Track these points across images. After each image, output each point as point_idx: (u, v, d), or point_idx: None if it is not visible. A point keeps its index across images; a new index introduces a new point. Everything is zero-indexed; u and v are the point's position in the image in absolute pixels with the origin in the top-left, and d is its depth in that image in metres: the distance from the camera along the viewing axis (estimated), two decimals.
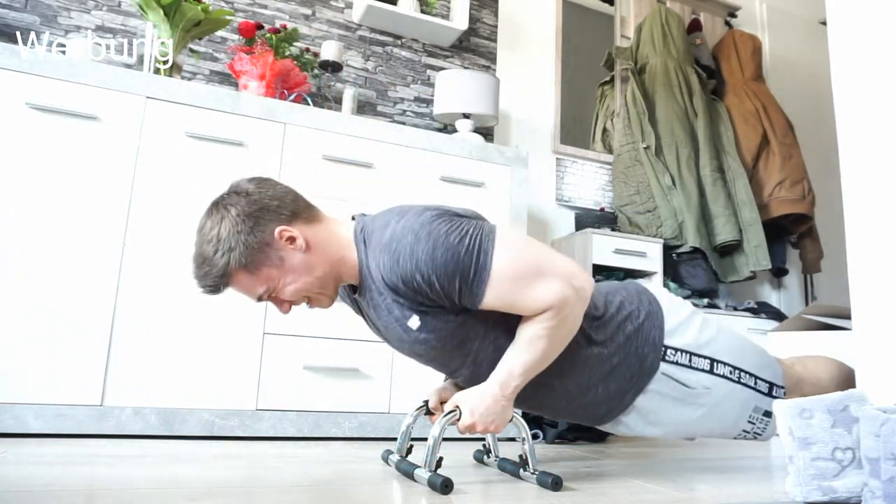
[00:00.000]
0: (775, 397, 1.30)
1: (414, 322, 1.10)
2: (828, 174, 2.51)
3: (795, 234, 3.14)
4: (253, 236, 1.06)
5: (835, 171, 1.22)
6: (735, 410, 1.27)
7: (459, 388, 1.30)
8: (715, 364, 1.25)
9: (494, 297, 1.05)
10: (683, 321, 1.27)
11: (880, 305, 1.07)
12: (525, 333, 1.09)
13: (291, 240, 1.08)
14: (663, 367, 1.22)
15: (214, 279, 1.06)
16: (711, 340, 1.27)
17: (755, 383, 1.28)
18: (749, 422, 1.29)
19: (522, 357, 1.09)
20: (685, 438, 1.37)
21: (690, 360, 1.23)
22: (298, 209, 1.12)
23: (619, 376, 1.21)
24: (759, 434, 1.32)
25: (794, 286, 3.33)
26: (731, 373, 1.26)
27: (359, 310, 1.24)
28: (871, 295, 1.09)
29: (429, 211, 1.08)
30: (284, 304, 1.13)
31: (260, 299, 1.12)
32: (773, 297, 3.26)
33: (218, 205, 1.09)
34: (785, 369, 1.35)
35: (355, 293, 1.19)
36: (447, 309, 1.09)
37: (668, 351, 1.23)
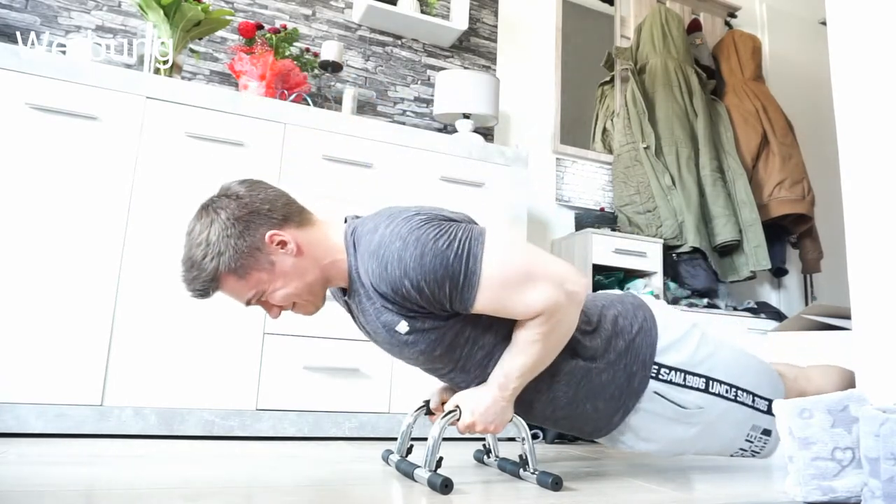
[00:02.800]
0: (774, 415, 1.28)
1: (402, 327, 1.09)
2: (828, 174, 2.51)
3: (795, 235, 3.14)
4: (243, 240, 1.04)
5: (835, 171, 1.22)
6: (732, 429, 1.25)
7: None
8: (711, 383, 1.22)
9: (485, 300, 1.04)
10: (680, 338, 1.24)
11: (880, 305, 1.07)
12: (520, 338, 1.08)
13: (282, 244, 1.07)
14: (656, 385, 1.20)
15: (203, 283, 1.05)
16: (708, 357, 1.24)
17: (753, 401, 1.26)
18: (747, 440, 1.27)
19: (518, 360, 1.08)
20: (679, 455, 1.35)
21: (685, 379, 1.21)
22: (290, 213, 1.11)
23: (607, 395, 1.19)
24: (758, 452, 1.30)
25: (794, 286, 3.33)
26: (727, 391, 1.23)
27: (349, 311, 1.23)
28: (871, 295, 1.09)
29: (418, 216, 1.05)
30: (274, 309, 1.12)
31: (249, 303, 1.10)
32: (772, 297, 3.26)
33: (207, 208, 1.07)
34: (788, 384, 1.33)
35: (346, 296, 1.19)
36: (436, 315, 1.07)
37: (662, 370, 1.21)
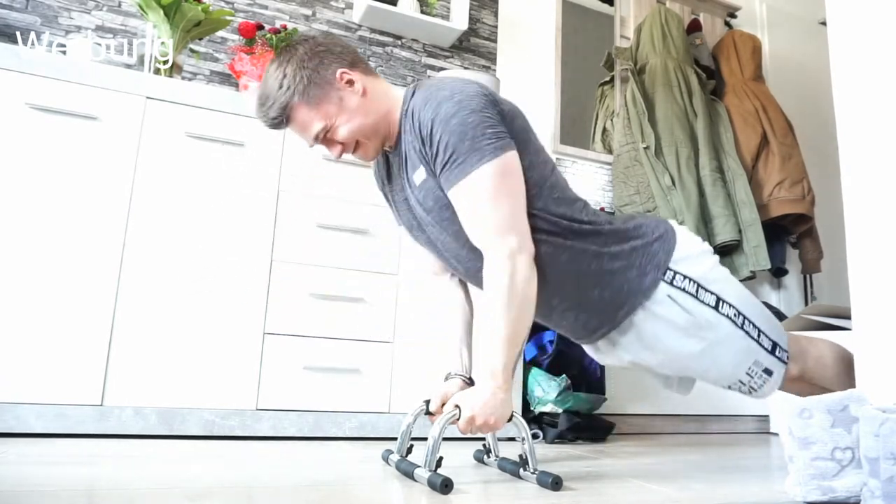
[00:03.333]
0: (779, 358, 1.28)
1: (419, 175, 1.17)
2: (828, 174, 2.51)
3: (795, 235, 3.14)
4: (317, 73, 1.16)
5: (835, 171, 1.22)
6: (735, 356, 1.25)
7: (464, 384, 1.31)
8: (721, 303, 1.24)
9: (460, 193, 1.11)
10: (697, 254, 1.27)
11: (880, 305, 1.07)
12: (483, 315, 1.14)
13: (350, 83, 1.19)
14: (670, 290, 1.22)
15: (278, 110, 1.16)
16: (721, 280, 1.26)
17: (758, 336, 1.26)
18: (747, 374, 1.27)
19: (493, 339, 1.09)
20: (678, 374, 1.35)
21: (697, 292, 1.23)
22: (358, 59, 1.23)
23: (615, 286, 1.22)
24: (755, 390, 1.29)
25: (794, 286, 3.33)
26: (735, 316, 1.24)
27: (388, 176, 1.31)
28: (871, 295, 1.09)
29: (481, 92, 1.15)
30: (337, 146, 1.21)
31: (316, 138, 1.20)
32: (772, 297, 3.26)
33: (287, 48, 1.20)
34: (790, 337, 1.34)
35: (388, 154, 1.28)
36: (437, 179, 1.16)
37: (677, 276, 1.23)
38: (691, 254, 1.27)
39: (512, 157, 1.13)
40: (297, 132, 1.22)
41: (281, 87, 1.15)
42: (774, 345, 1.28)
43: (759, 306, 1.31)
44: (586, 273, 1.21)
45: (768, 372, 1.27)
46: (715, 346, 1.24)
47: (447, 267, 1.34)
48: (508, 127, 1.16)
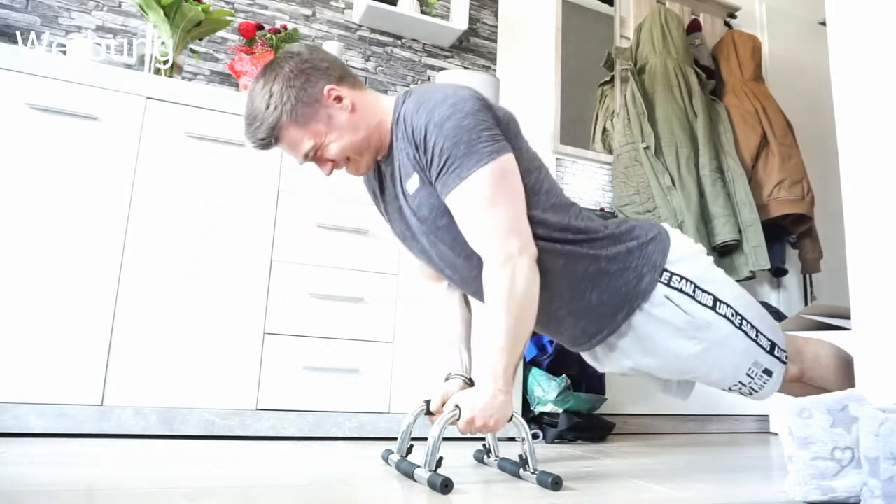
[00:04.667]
0: (778, 358, 1.27)
1: (413, 183, 1.15)
2: (827, 174, 2.51)
3: (795, 235, 3.14)
4: (304, 91, 1.14)
5: (835, 171, 1.22)
6: (735, 357, 1.25)
7: (465, 384, 1.31)
8: (718, 303, 1.23)
9: (458, 198, 1.09)
10: (692, 254, 1.27)
11: (880, 305, 1.07)
12: (483, 317, 1.13)
13: (339, 99, 1.16)
14: (667, 291, 1.21)
15: (266, 131, 1.14)
16: (717, 281, 1.26)
17: (756, 336, 1.26)
18: (748, 374, 1.26)
19: (492, 341, 1.09)
20: (680, 377, 1.34)
21: (694, 292, 1.22)
22: (346, 74, 1.20)
23: (613, 288, 1.21)
24: (756, 391, 1.29)
25: (794, 286, 3.33)
26: (733, 315, 1.24)
27: (379, 185, 1.29)
28: (871, 295, 1.09)
29: (474, 96, 1.14)
30: (327, 164, 1.20)
31: (306, 157, 1.18)
32: (772, 297, 3.26)
33: (270, 65, 1.17)
34: (787, 337, 1.34)
35: (380, 164, 1.26)
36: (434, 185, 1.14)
37: (674, 277, 1.22)
38: (686, 255, 1.26)
39: (509, 160, 1.12)
40: (287, 151, 1.20)
41: (268, 106, 1.13)
42: (773, 345, 1.28)
43: (755, 306, 1.30)
44: (584, 277, 1.21)
45: (768, 372, 1.27)
46: (714, 347, 1.23)
47: (442, 276, 1.33)
48: (503, 131, 1.15)
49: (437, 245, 1.21)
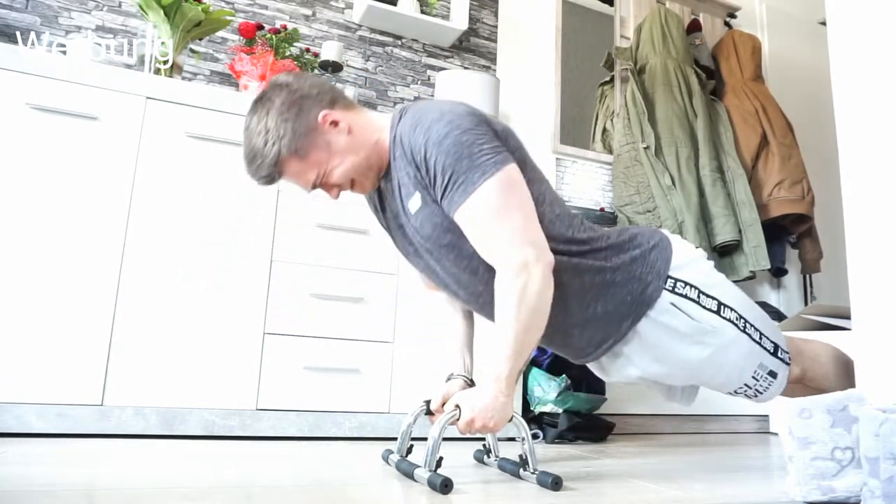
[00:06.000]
0: (781, 359, 1.28)
1: (415, 203, 1.14)
2: (828, 174, 2.51)
3: (795, 235, 3.14)
4: (299, 122, 1.12)
5: (835, 171, 1.22)
6: (741, 359, 1.25)
7: (466, 385, 1.31)
8: (722, 307, 1.23)
9: (467, 213, 1.07)
10: (694, 260, 1.27)
11: (880, 305, 1.07)
12: (496, 319, 1.10)
13: (335, 123, 1.15)
14: (672, 297, 1.21)
15: (269, 168, 1.12)
16: (720, 284, 1.26)
17: (760, 338, 1.26)
18: (753, 377, 1.27)
19: (501, 346, 1.08)
20: (687, 383, 1.35)
21: (699, 297, 1.22)
22: (337, 96, 1.18)
23: (618, 299, 1.20)
24: (761, 393, 1.30)
25: (794, 286, 3.33)
26: (737, 319, 1.24)
27: (379, 201, 1.28)
28: (871, 295, 1.09)
29: (470, 112, 1.13)
30: (334, 189, 1.19)
31: (314, 187, 1.17)
32: (772, 297, 3.26)
33: (261, 100, 1.15)
34: (787, 338, 1.34)
35: (381, 180, 1.24)
36: (439, 204, 1.12)
37: (678, 283, 1.22)
38: (688, 260, 1.26)
39: (513, 169, 1.10)
40: (292, 182, 1.19)
41: (266, 143, 1.11)
42: (776, 346, 1.28)
43: (756, 309, 1.31)
44: (589, 288, 1.20)
45: (773, 374, 1.27)
46: (720, 350, 1.23)
47: (447, 291, 1.31)
48: (503, 144, 1.14)
49: (441, 261, 1.20)
